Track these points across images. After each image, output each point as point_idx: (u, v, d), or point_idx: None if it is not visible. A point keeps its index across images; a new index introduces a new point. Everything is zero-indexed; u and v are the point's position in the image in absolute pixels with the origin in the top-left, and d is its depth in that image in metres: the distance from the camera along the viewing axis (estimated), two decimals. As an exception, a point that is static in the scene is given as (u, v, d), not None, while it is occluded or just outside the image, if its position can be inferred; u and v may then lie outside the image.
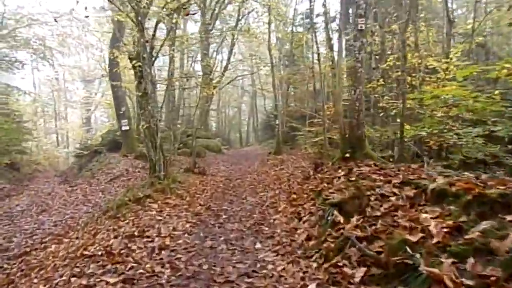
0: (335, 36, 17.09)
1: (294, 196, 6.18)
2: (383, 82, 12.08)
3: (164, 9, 9.32)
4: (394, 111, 9.53)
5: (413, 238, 2.81)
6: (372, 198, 4.04)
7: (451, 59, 9.99)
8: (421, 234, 2.83)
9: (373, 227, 3.43)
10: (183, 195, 7.61)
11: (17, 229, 8.38)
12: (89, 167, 16.93)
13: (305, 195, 6.00)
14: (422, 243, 2.75)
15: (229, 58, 21.70)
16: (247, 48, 26.44)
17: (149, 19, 9.73)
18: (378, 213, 3.68)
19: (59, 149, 29.72)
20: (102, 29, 19.52)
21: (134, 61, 8.66)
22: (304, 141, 16.54)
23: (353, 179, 5.20)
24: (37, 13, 19.98)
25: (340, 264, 3.17)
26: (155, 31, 9.21)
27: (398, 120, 9.20)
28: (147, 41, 8.14)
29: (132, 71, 10.00)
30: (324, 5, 11.30)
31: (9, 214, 9.95)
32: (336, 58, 13.68)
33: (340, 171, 5.96)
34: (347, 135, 6.84)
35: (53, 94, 29.93)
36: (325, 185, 5.62)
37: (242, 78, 29.42)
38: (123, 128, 16.51)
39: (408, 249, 2.69)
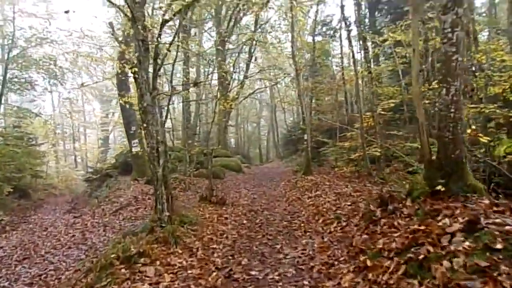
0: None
1: (366, 261, 3.69)
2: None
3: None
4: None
5: None
6: None
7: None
8: None
9: None
10: (193, 247, 5.22)
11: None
12: (98, 192, 14.88)
13: (385, 259, 3.53)
14: None
15: (247, 69, 19.51)
16: (266, 60, 24.28)
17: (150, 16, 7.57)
18: None
19: (77, 171, 28.06)
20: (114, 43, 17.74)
21: (133, 68, 6.54)
22: (335, 157, 14.01)
23: (487, 241, 2.75)
24: (47, 31, 18.38)
25: None
26: (160, 31, 7.06)
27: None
28: (142, 40, 5.94)
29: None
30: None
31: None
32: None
33: (444, 219, 3.47)
34: (434, 158, 4.35)
35: (70, 115, 28.38)
36: (430, 247, 3.14)
37: (261, 92, 27.20)
38: (134, 149, 14.45)
39: None
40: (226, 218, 7.51)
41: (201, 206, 8.72)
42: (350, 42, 11.06)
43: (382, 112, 11.32)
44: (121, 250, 4.86)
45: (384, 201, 4.84)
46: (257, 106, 35.03)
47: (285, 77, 19.01)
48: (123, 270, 4.41)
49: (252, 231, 6.29)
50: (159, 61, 6.90)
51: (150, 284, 3.98)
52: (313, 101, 20.31)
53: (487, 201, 3.67)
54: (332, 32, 19.31)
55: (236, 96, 17.21)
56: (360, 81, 11.19)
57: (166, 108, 10.04)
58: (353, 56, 10.56)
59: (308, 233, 5.64)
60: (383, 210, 4.65)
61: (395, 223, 4.06)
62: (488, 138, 6.70)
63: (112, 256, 4.77)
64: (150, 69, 6.98)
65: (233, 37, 21.68)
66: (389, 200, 4.77)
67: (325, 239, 5.06)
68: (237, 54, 18.73)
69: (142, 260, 4.61)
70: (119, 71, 12.58)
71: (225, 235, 5.96)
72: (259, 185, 14.22)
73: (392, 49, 12.80)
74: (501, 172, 6.29)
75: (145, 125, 5.80)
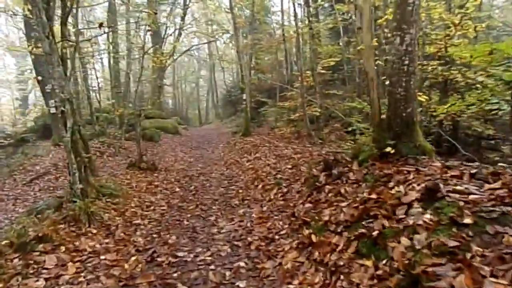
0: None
1: (311, 236, 3.15)
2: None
3: None
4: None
5: None
6: None
7: (467, 9, 7.29)
8: None
9: None
10: (111, 224, 4.33)
11: None
12: (11, 160, 12.90)
13: (332, 234, 3.02)
14: None
15: (181, 24, 17.77)
16: (203, 15, 22.37)
17: None
18: None
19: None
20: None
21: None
22: (275, 118, 13.52)
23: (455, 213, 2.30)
24: None
25: None
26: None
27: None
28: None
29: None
30: None
31: None
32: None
33: (397, 185, 3.01)
34: (385, 116, 3.86)
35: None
36: (384, 220, 2.65)
37: (198, 49, 25.43)
38: (52, 110, 12.53)
39: None
40: (156, 186, 6.64)
41: (128, 173, 7.70)
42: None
43: (322, 71, 10.87)
44: (16, 235, 3.84)
45: (328, 165, 4.34)
46: (195, 65, 33.08)
47: (223, 34, 17.68)
48: (15, 261, 3.44)
49: (184, 201, 5.53)
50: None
51: (46, 279, 3.09)
52: (253, 59, 19.41)
53: (438, 164, 3.28)
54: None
55: (171, 53, 15.60)
56: (300, 39, 10.48)
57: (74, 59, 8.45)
58: (294, 10, 9.75)
59: (246, 202, 5.04)
60: (327, 175, 4.14)
61: (342, 190, 3.56)
62: (426, 97, 6.53)
63: (4, 243, 3.75)
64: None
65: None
66: (334, 164, 4.27)
67: (265, 208, 4.49)
68: (171, 5, 16.83)
69: (41, 246, 3.65)
70: (27, 13, 10.43)
71: (152, 207, 5.14)
72: (197, 148, 13.37)
73: (333, 4, 12.20)
74: (439, 133, 6.18)
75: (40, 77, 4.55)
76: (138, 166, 7.95)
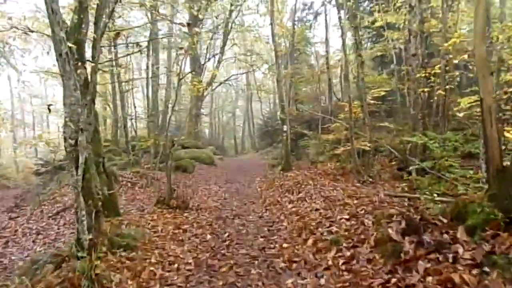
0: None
1: None
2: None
3: None
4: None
5: None
6: None
7: None
8: None
9: None
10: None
11: None
12: (46, 188, 12.54)
13: None
14: None
15: (221, 53, 17.37)
16: (242, 46, 22.09)
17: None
18: None
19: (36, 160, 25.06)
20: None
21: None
22: (317, 151, 12.30)
23: None
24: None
25: None
26: None
27: None
28: None
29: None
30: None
31: None
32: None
33: None
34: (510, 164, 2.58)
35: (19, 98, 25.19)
36: None
37: (236, 79, 25.07)
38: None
39: None
40: (185, 231, 5.57)
41: (156, 211, 6.74)
42: (340, 20, 9.25)
43: (372, 101, 9.65)
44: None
45: (413, 225, 3.07)
46: (233, 95, 32.88)
47: (262, 64, 17.08)
48: None
49: (215, 256, 4.39)
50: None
51: None
52: (292, 90, 18.54)
53: None
54: (313, 16, 17.49)
55: (210, 81, 15.10)
56: (349, 66, 9.43)
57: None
58: (342, 35, 8.73)
59: (294, 265, 3.80)
60: (416, 243, 2.86)
61: (455, 279, 2.26)
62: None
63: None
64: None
65: (209, 22, 19.52)
66: (422, 226, 2.99)
67: (322, 282, 3.24)
68: (211, 37, 16.54)
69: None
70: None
71: (176, 265, 4.03)
72: (232, 181, 12.34)
73: (383, 31, 11.12)
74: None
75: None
76: (167, 203, 6.98)
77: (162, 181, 12.26)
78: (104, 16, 5.18)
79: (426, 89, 8.30)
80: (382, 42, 11.37)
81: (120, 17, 9.09)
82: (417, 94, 9.19)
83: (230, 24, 16.43)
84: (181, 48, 8.21)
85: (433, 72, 8.13)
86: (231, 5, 16.49)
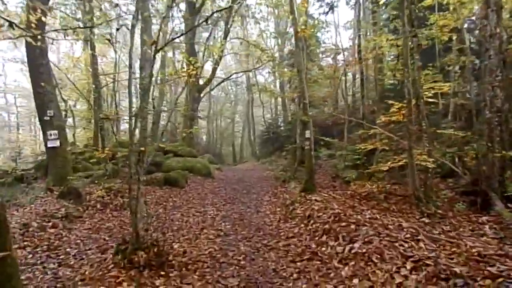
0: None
1: None
2: None
3: None
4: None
5: None
6: None
7: None
8: None
9: None
10: None
11: None
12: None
13: None
14: None
15: (222, 47, 14.40)
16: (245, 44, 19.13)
17: None
18: None
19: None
20: None
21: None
22: (343, 165, 9.30)
23: None
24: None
25: None
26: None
27: None
28: None
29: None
30: None
31: None
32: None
33: None
34: None
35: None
36: None
37: (236, 80, 22.05)
38: (49, 144, 9.08)
39: None
40: None
41: (104, 278, 3.69)
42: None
43: (431, 100, 6.70)
44: None
45: None
46: (232, 98, 29.88)
47: (268, 61, 14.17)
48: None
49: None
50: None
51: None
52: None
53: None
54: (328, 8, 14.62)
55: (210, 77, 12.18)
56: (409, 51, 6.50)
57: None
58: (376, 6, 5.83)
59: None
60: None
61: None
62: None
63: None
64: None
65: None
66: None
67: None
68: (211, 26, 13.67)
69: None
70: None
71: None
72: (233, 200, 9.30)
73: (430, 15, 8.24)
74: None
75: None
76: (129, 258, 3.91)
77: (148, 196, 9.29)
78: None
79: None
80: (426, 29, 8.46)
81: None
82: (495, 90, 6.29)
83: (232, 15, 13.54)
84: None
85: None
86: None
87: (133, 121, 4.35)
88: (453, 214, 5.65)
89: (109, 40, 6.62)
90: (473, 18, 8.37)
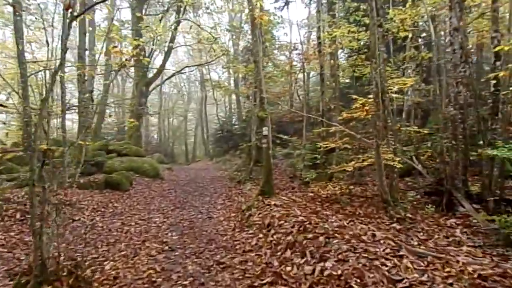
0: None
1: None
2: None
3: None
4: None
5: None
6: None
7: None
8: None
9: None
10: None
11: None
12: None
13: None
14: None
15: (172, 39, 13.14)
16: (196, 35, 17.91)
17: None
18: None
19: None
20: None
21: None
22: (302, 165, 8.65)
23: None
24: None
25: None
26: None
27: None
28: None
29: None
30: None
31: None
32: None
33: None
34: None
35: None
36: None
37: (188, 75, 20.73)
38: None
39: None
40: None
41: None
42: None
43: (395, 95, 6.25)
44: None
45: None
46: (185, 97, 28.36)
47: (223, 54, 13.21)
48: None
49: None
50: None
51: None
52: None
53: None
54: (283, 3, 14.03)
55: (159, 69, 10.92)
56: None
57: None
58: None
59: None
60: None
61: None
62: None
63: None
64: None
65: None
66: None
67: None
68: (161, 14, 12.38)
69: None
70: None
71: None
72: (183, 204, 8.25)
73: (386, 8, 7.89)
74: None
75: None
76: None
77: (84, 202, 7.95)
78: None
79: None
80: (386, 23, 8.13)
81: None
82: (459, 87, 6.00)
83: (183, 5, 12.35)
84: None
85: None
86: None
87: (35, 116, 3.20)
88: (421, 218, 5.19)
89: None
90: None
